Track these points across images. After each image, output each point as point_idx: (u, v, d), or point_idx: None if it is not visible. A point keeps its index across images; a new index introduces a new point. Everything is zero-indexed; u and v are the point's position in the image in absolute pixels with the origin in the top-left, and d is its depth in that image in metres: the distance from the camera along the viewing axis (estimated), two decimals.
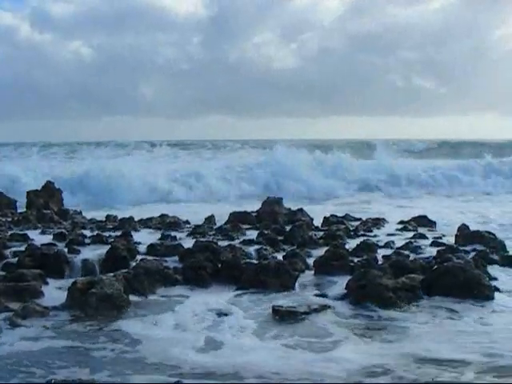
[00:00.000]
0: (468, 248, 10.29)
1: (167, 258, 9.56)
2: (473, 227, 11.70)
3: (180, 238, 11.27)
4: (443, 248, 10.03)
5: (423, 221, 13.52)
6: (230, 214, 13.97)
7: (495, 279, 8.63)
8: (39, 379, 5.21)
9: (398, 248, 10.44)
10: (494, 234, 10.79)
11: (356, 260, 9.45)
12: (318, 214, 14.77)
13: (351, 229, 12.47)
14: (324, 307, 7.58)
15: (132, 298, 7.80)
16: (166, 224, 12.92)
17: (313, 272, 9.27)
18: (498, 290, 8.14)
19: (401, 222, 13.63)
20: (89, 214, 15.28)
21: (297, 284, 8.65)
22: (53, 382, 4.50)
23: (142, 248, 10.23)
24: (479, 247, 10.23)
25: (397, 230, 12.81)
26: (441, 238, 11.72)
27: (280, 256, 9.76)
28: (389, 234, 12.24)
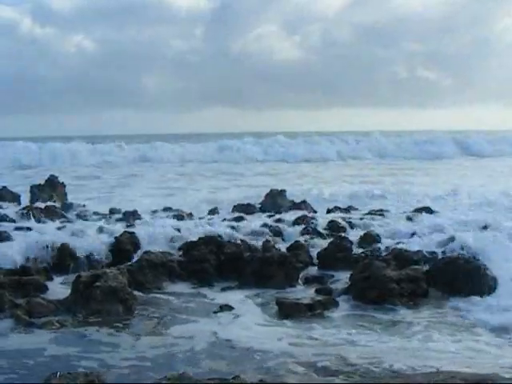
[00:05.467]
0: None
1: (171, 250, 9.56)
2: None
3: (184, 230, 11.24)
4: (447, 239, 9.99)
5: (426, 211, 13.47)
6: (234, 206, 14.00)
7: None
8: (44, 372, 5.22)
9: (401, 239, 10.41)
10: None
11: (360, 252, 9.45)
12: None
13: (355, 220, 12.44)
14: (328, 300, 7.58)
15: (137, 293, 7.80)
16: (170, 216, 12.91)
17: (316, 264, 9.27)
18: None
19: (404, 213, 13.59)
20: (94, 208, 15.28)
21: (301, 276, 8.66)
22: (58, 374, 4.52)
23: (146, 240, 10.22)
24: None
25: (400, 220, 12.77)
26: (444, 228, 11.67)
27: (284, 248, 9.75)
28: (392, 225, 12.19)
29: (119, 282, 7.41)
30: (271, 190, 14.97)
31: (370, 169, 31.12)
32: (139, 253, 9.35)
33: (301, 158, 37.78)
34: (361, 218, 12.74)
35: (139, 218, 12.53)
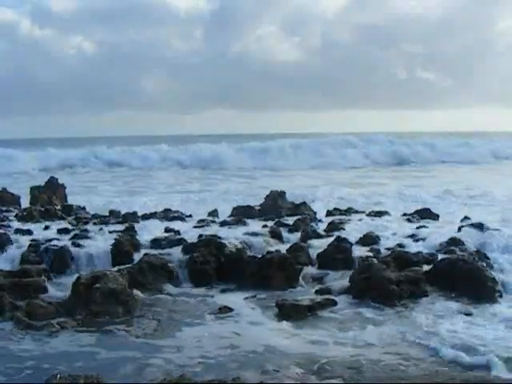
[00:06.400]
0: (471, 239, 10.22)
1: (171, 252, 9.56)
2: None
3: (184, 232, 11.26)
4: (446, 240, 10.00)
5: (426, 213, 13.47)
6: (234, 208, 13.99)
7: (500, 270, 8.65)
8: (45, 375, 5.23)
9: (401, 240, 10.41)
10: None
11: (359, 253, 9.45)
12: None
13: (354, 221, 12.45)
14: (328, 301, 7.59)
15: (137, 295, 7.80)
16: (170, 218, 12.92)
17: (316, 265, 9.27)
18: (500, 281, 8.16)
19: (404, 215, 13.59)
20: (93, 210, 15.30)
21: (300, 277, 8.66)
22: (58, 376, 4.52)
23: (146, 242, 10.23)
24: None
25: (400, 222, 12.77)
26: (444, 229, 11.66)
27: (284, 249, 9.75)
28: (392, 227, 12.18)
29: (119, 283, 7.41)
30: (271, 192, 14.94)
31: None
32: (139, 254, 9.36)
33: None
34: (360, 220, 12.76)
35: (138, 221, 12.53)
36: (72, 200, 16.41)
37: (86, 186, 23.88)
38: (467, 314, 7.08)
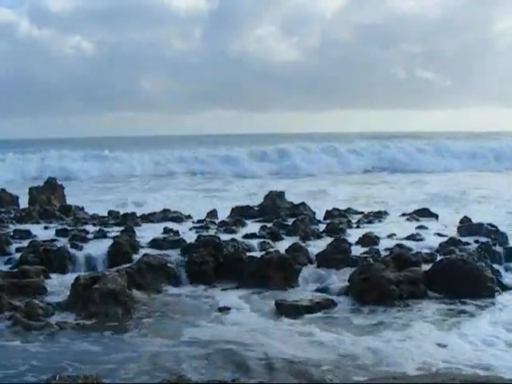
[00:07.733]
0: (470, 240, 10.24)
1: (170, 253, 9.55)
2: None
3: (183, 233, 11.25)
4: (446, 241, 10.00)
5: (425, 213, 13.46)
6: (232, 209, 13.96)
7: (497, 271, 8.64)
8: (44, 375, 5.22)
9: (400, 241, 10.40)
10: (495, 227, 10.76)
11: (359, 253, 9.45)
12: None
13: (353, 222, 12.44)
14: (327, 301, 7.59)
15: (136, 295, 7.81)
16: (169, 219, 12.91)
17: (315, 265, 9.26)
18: (500, 282, 8.16)
19: (403, 215, 13.59)
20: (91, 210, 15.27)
21: (299, 278, 8.65)
22: (58, 377, 4.52)
23: (145, 243, 10.22)
24: (482, 239, 10.20)
25: (399, 222, 12.77)
26: (443, 230, 11.67)
27: (283, 249, 9.74)
28: (391, 227, 12.18)
29: (118, 284, 7.40)
30: (270, 192, 14.91)
31: None
32: (138, 255, 9.34)
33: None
34: (360, 220, 12.75)
35: (137, 222, 12.51)
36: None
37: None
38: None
